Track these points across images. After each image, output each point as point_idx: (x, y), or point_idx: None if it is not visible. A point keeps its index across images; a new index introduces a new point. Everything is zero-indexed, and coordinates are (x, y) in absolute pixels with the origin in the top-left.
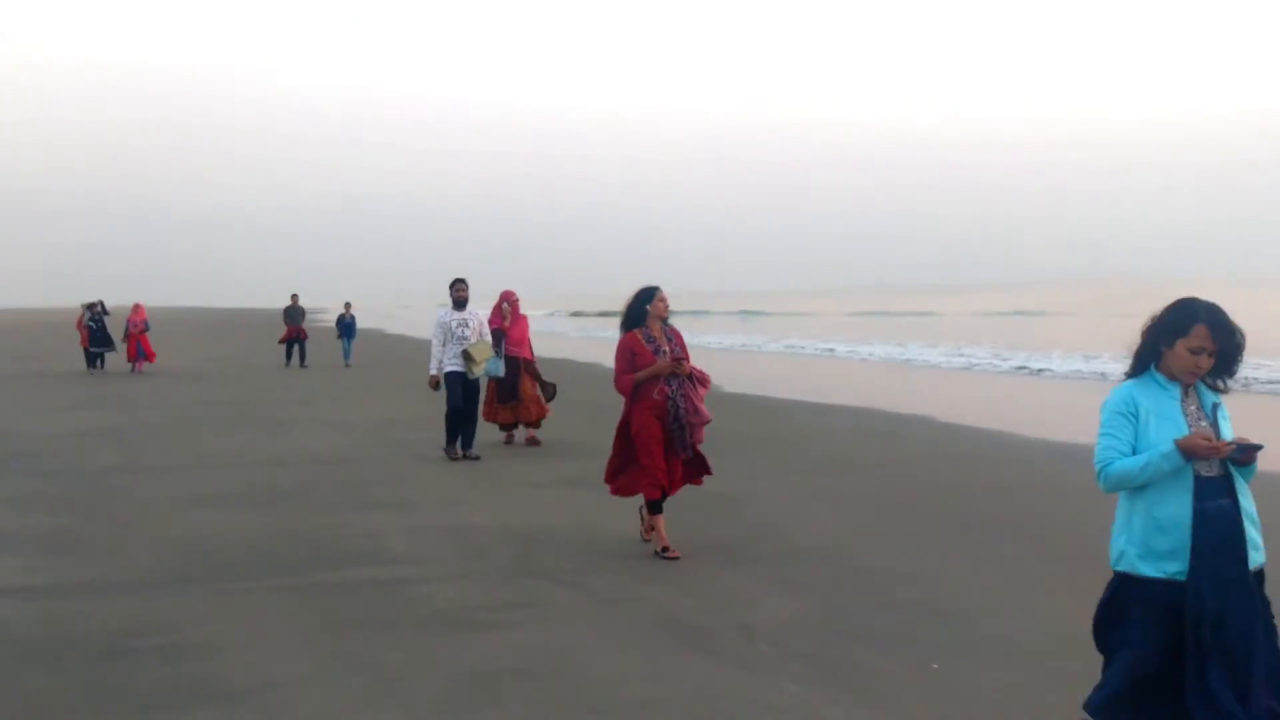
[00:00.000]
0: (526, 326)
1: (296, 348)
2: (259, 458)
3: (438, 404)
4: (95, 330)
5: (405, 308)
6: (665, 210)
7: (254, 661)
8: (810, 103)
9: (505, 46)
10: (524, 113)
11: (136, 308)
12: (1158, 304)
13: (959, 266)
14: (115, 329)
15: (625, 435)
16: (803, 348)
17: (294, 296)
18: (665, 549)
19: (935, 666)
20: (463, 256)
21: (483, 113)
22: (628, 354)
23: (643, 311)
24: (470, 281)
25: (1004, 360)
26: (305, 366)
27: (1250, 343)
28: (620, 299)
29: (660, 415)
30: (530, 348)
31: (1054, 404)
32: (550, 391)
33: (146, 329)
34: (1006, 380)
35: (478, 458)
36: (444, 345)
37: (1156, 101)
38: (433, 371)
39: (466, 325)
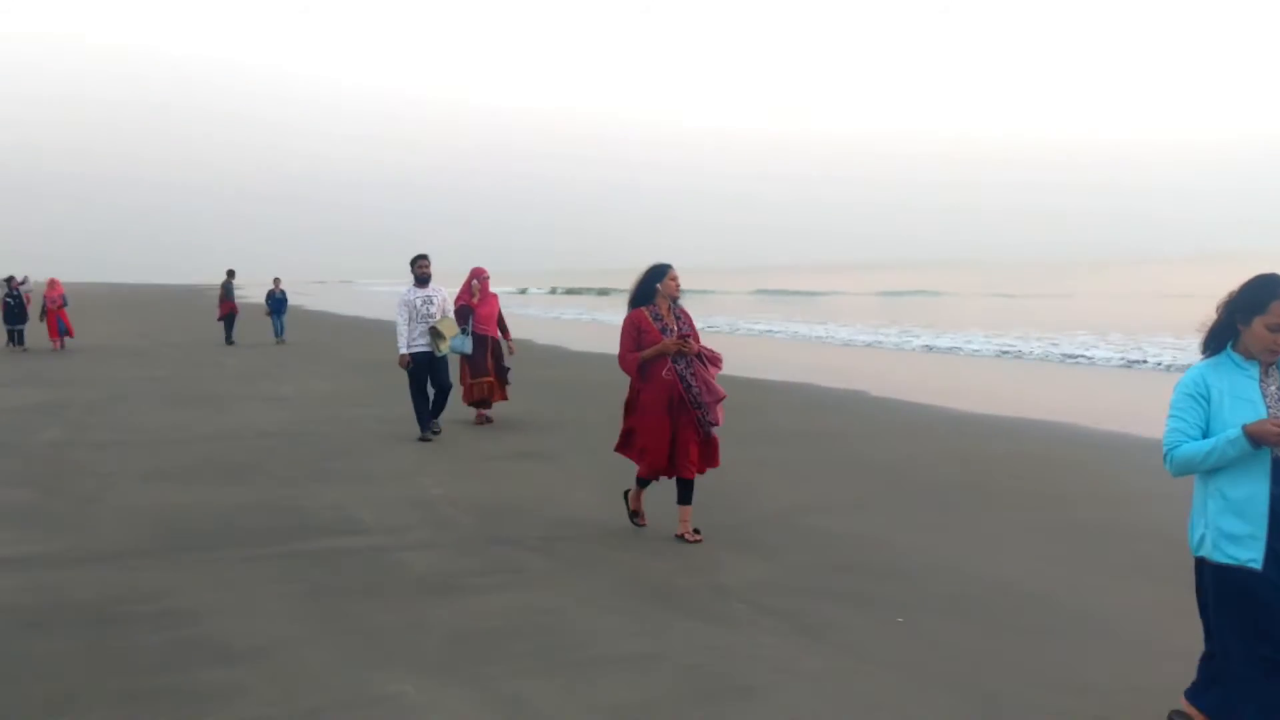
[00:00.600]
0: (497, 304)
1: (228, 323)
2: (206, 433)
3: (376, 378)
4: (12, 306)
5: (321, 284)
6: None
7: (248, 626)
8: (676, 108)
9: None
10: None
11: (53, 283)
12: (1032, 285)
13: (841, 247)
14: (35, 305)
15: (632, 408)
16: (738, 327)
17: (230, 273)
18: (636, 513)
19: (900, 620)
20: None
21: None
22: (634, 332)
23: (652, 289)
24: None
25: (914, 338)
26: (232, 343)
27: None
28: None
29: (670, 394)
30: (503, 325)
31: (972, 379)
32: (504, 375)
33: (64, 304)
34: (923, 358)
35: (438, 432)
36: (409, 323)
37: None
38: (401, 350)
39: (431, 302)
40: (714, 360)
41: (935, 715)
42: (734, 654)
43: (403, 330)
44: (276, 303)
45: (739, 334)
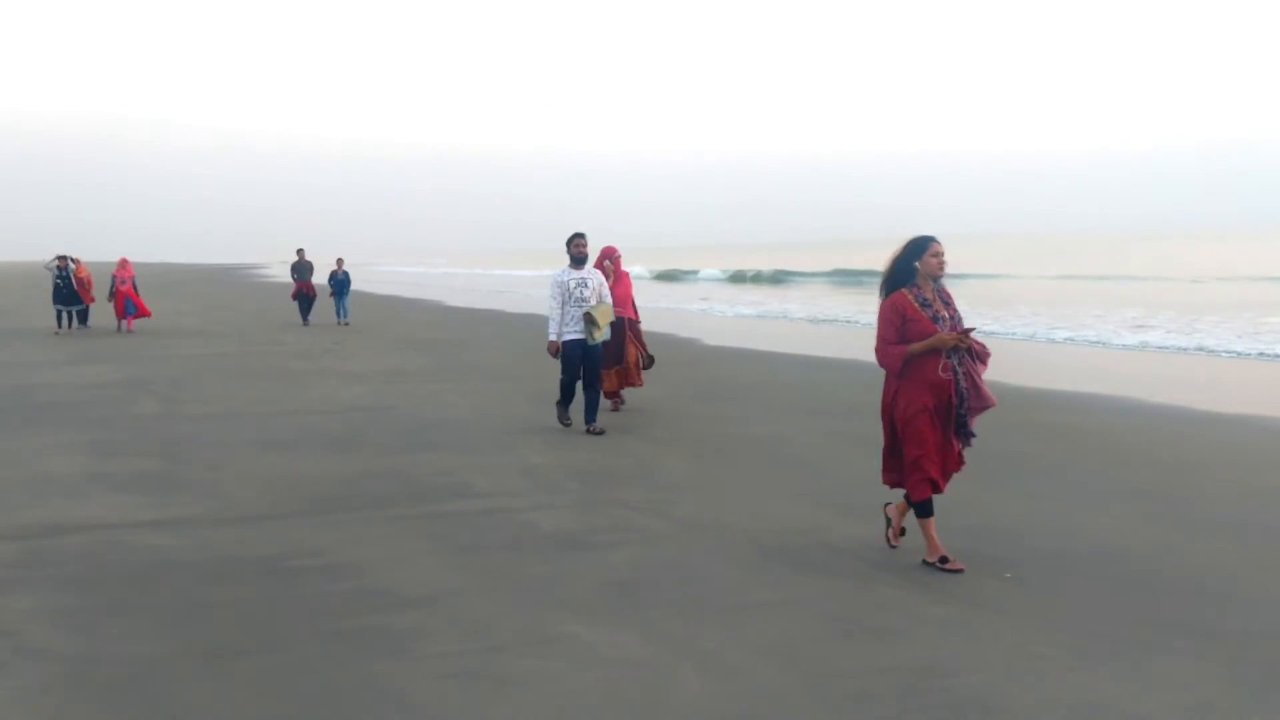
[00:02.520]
0: (630, 284)
1: (304, 304)
2: (293, 407)
3: (440, 356)
4: (60, 286)
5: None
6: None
7: (412, 577)
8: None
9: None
10: None
11: (123, 262)
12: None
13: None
14: (101, 286)
15: (890, 419)
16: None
17: (300, 251)
18: (944, 559)
19: (1008, 575)
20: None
21: None
22: (898, 319)
23: (911, 268)
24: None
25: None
26: (308, 324)
27: None
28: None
29: (941, 396)
30: (635, 308)
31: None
32: (648, 362)
33: (134, 284)
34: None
35: (602, 432)
36: (562, 308)
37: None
38: (552, 337)
39: (586, 285)
40: (983, 356)
41: (1064, 654)
42: (862, 602)
43: (555, 314)
44: (339, 284)
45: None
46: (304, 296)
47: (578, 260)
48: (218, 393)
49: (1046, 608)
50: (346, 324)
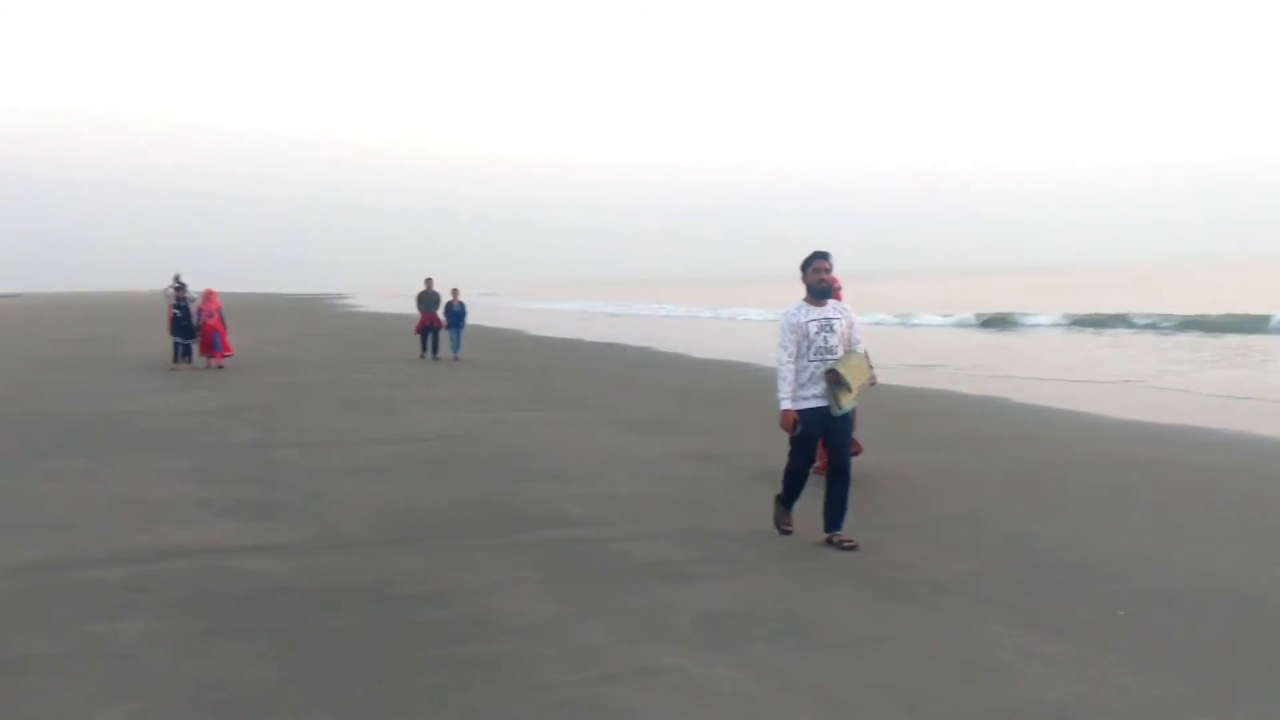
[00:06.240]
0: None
1: (431, 337)
2: (386, 435)
3: (522, 383)
4: (179, 317)
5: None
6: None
7: (515, 605)
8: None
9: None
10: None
11: (208, 294)
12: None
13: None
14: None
15: None
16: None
17: (428, 281)
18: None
19: (1121, 614)
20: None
21: None
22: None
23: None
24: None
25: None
26: (436, 358)
27: None
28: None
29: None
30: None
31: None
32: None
33: (222, 318)
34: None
35: (855, 546)
36: (796, 359)
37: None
38: (786, 405)
39: (831, 328)
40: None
41: (1183, 697)
42: (971, 639)
43: (787, 372)
44: (455, 315)
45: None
46: (430, 328)
47: (818, 292)
48: (311, 421)
49: (1164, 647)
50: (457, 358)
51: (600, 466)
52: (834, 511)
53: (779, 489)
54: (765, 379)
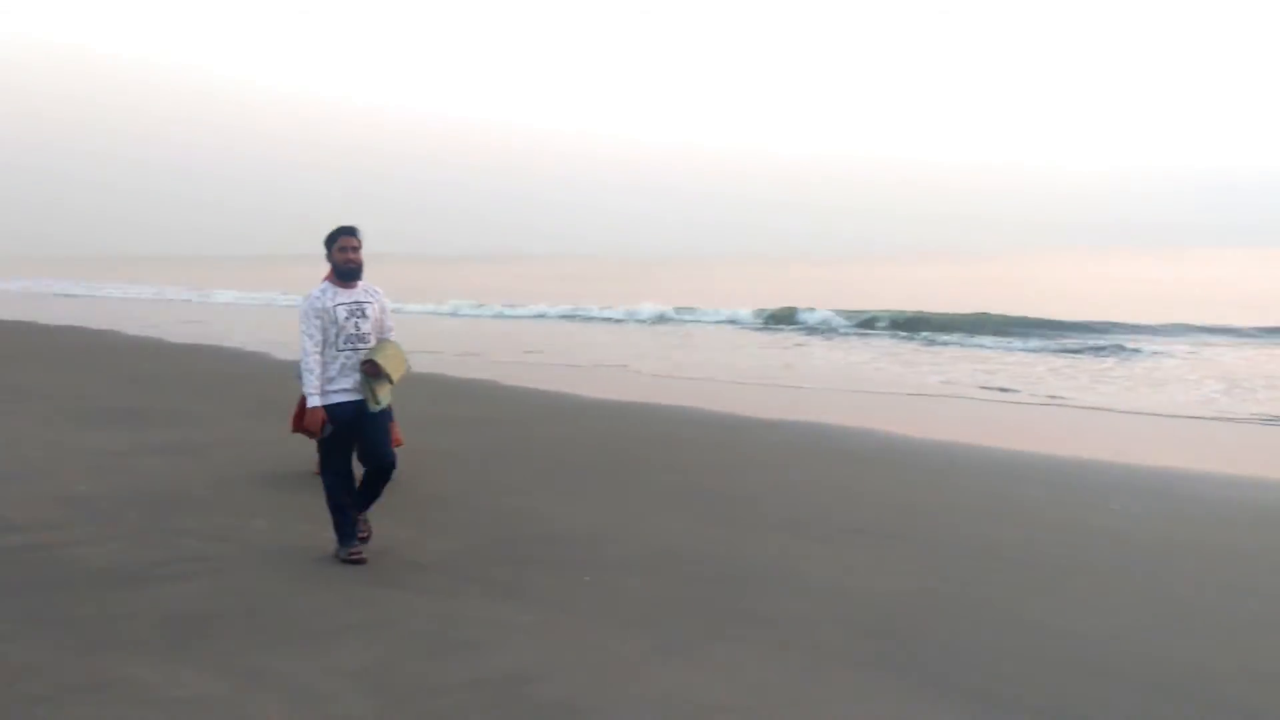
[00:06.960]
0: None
1: None
2: None
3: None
4: None
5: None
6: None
7: None
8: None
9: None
10: None
11: None
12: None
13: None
14: None
15: None
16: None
17: None
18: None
19: (588, 579)
20: None
21: None
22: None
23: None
24: None
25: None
26: None
27: None
28: None
29: None
30: None
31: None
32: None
33: None
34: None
35: (365, 538)
36: (322, 350)
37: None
38: (314, 401)
39: (362, 312)
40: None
41: (639, 649)
42: (447, 617)
43: (312, 363)
44: None
45: None
46: None
47: (345, 273)
48: None
49: (623, 607)
50: None
51: (51, 464)
52: (365, 500)
53: (256, 480)
54: (253, 363)
